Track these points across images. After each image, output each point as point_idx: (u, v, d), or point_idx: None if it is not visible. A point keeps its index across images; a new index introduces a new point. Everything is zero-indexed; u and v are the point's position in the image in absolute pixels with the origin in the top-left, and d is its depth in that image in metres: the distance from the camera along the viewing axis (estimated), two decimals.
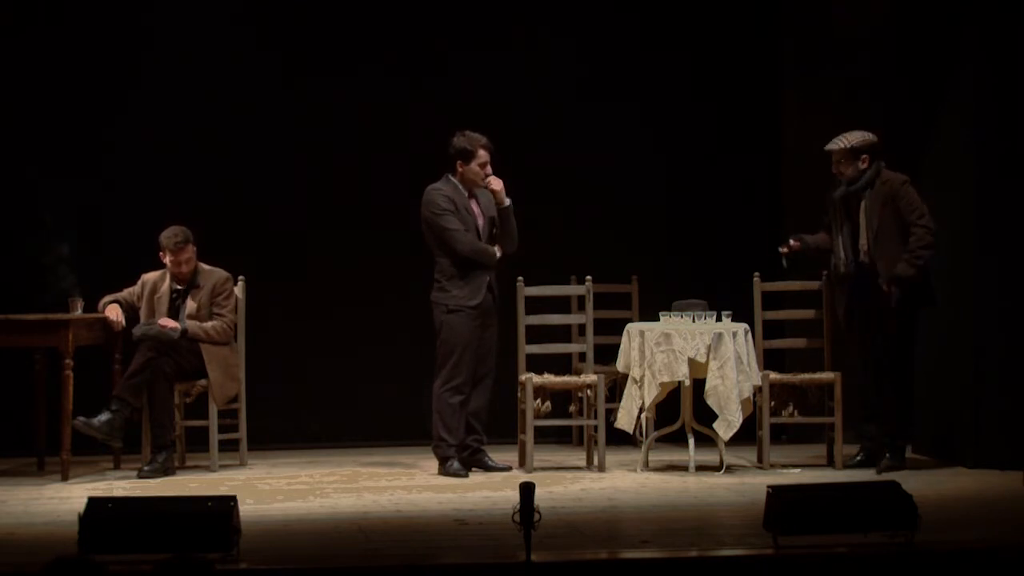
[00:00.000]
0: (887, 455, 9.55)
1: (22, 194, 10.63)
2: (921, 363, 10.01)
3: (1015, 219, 9.62)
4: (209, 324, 9.93)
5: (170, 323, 9.84)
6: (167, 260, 9.96)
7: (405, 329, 10.76)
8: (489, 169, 9.76)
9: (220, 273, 10.05)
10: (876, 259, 9.57)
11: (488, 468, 9.78)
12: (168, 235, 9.94)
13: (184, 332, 9.83)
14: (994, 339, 9.66)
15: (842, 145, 9.67)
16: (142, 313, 10.01)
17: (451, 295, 9.70)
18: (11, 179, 10.67)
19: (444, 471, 9.68)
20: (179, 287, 10.00)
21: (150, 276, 10.10)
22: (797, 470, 9.75)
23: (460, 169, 9.76)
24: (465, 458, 9.75)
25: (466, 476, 9.60)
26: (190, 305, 9.96)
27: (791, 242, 9.95)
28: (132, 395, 9.65)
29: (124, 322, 9.92)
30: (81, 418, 9.47)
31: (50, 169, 10.71)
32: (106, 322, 9.89)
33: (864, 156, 9.66)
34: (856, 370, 9.82)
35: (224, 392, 9.96)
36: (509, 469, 9.77)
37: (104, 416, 9.54)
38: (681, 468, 9.74)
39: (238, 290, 10.18)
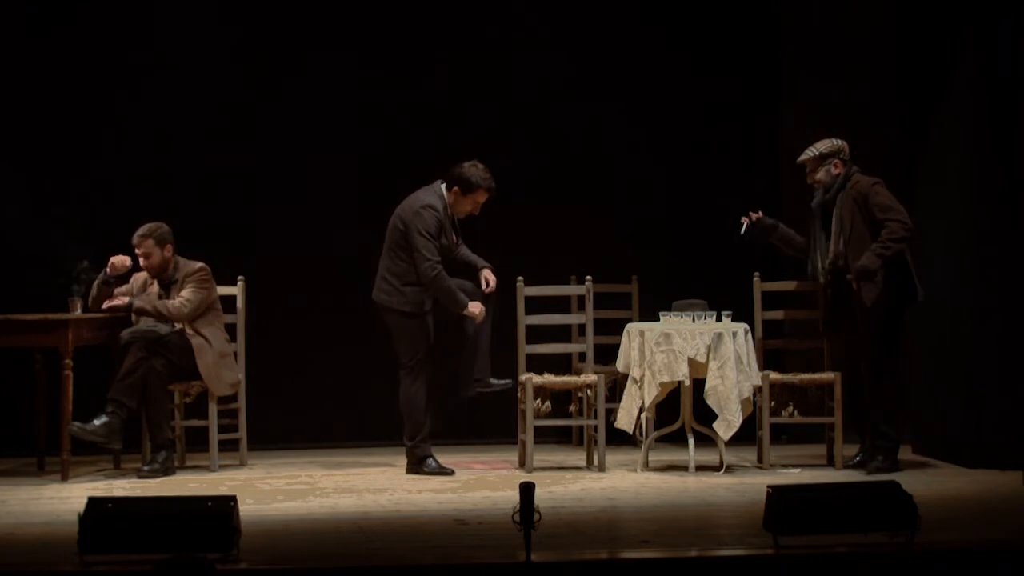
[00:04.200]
0: (879, 457, 9.53)
1: (20, 194, 10.63)
2: (921, 363, 10.02)
3: (1014, 220, 9.62)
4: (162, 301, 9.89)
5: (118, 300, 9.82)
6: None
7: None
8: (478, 211, 9.72)
9: (195, 264, 9.99)
10: (850, 261, 9.55)
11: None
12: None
13: (130, 306, 9.80)
14: (994, 339, 9.66)
15: (811, 154, 9.69)
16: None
17: (406, 300, 9.64)
18: (10, 179, 10.68)
19: (427, 470, 9.66)
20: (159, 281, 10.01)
21: (141, 274, 10.10)
22: (797, 470, 9.75)
23: (453, 192, 9.70)
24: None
25: (452, 473, 9.60)
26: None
27: (756, 216, 9.88)
28: (127, 396, 9.63)
29: (130, 263, 9.87)
30: (76, 424, 9.43)
31: (49, 169, 10.72)
32: (113, 305, 9.81)
33: (835, 161, 9.65)
34: (851, 371, 9.82)
35: (220, 380, 9.89)
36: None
37: (102, 419, 9.52)
38: (681, 468, 9.74)
39: (238, 291, 10.17)
